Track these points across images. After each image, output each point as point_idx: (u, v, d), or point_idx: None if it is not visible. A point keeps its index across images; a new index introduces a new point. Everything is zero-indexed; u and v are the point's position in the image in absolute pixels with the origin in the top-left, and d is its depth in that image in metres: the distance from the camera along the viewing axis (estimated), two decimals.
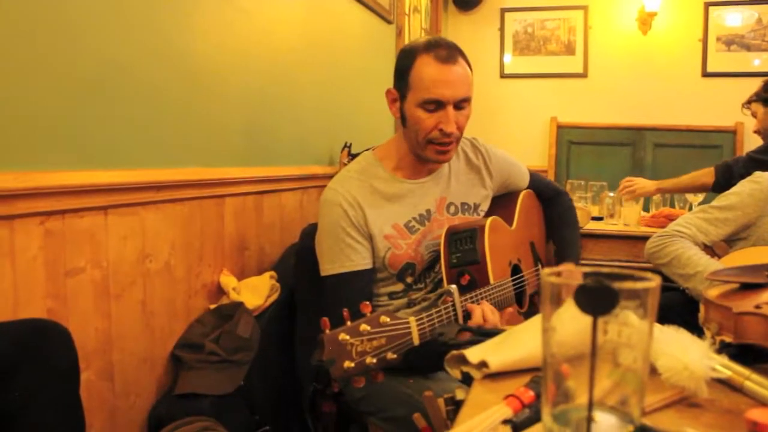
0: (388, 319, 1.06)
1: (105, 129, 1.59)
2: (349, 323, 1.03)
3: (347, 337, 1.01)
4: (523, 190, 1.89)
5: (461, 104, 1.59)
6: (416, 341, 1.11)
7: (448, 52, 1.57)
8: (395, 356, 1.05)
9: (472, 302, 1.41)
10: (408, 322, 1.10)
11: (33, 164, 1.38)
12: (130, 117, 1.67)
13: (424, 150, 1.63)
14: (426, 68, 1.56)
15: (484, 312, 1.38)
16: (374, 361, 1.02)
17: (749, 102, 2.89)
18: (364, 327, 1.03)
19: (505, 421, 0.77)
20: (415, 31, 4.53)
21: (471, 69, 1.63)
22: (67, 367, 1.20)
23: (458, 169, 1.77)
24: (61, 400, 1.18)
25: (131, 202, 1.65)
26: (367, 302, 1.07)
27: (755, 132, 2.92)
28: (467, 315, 1.37)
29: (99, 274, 1.55)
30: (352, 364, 1.00)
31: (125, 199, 1.62)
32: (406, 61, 1.60)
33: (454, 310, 1.32)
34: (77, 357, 1.23)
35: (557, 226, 1.95)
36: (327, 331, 1.01)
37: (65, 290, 1.45)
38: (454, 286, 1.35)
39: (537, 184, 1.96)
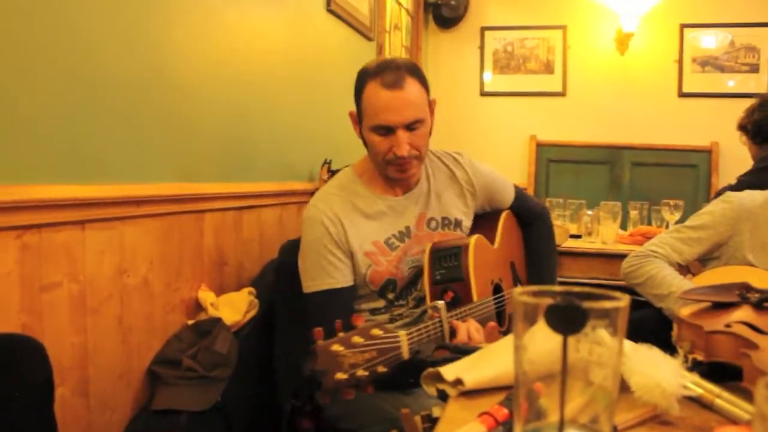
0: (380, 332, 1.06)
1: (83, 143, 1.58)
2: (341, 334, 1.03)
3: (340, 349, 1.00)
4: (506, 211, 1.90)
5: (413, 126, 1.60)
6: (406, 355, 1.11)
7: (395, 76, 1.57)
8: (385, 369, 1.05)
9: (458, 319, 1.41)
10: (398, 337, 1.10)
11: (9, 178, 1.37)
12: (108, 131, 1.66)
13: (385, 170, 1.66)
14: (373, 95, 1.59)
15: (469, 330, 1.39)
16: (366, 373, 1.02)
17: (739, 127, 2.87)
18: (357, 339, 1.03)
19: None
20: (396, 48, 4.57)
21: (426, 87, 1.64)
22: (41, 383, 1.19)
23: (439, 185, 1.78)
24: (35, 415, 1.17)
25: (109, 217, 1.64)
26: (359, 314, 1.07)
27: None
28: (452, 332, 1.38)
29: (76, 289, 1.54)
30: (345, 376, 0.99)
31: (103, 214, 1.61)
32: (358, 85, 1.64)
33: (441, 325, 1.33)
34: (52, 372, 1.22)
35: (535, 256, 1.97)
36: (320, 342, 1.01)
37: (41, 305, 1.44)
38: (441, 302, 1.36)
39: (522, 203, 1.96)
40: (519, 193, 1.97)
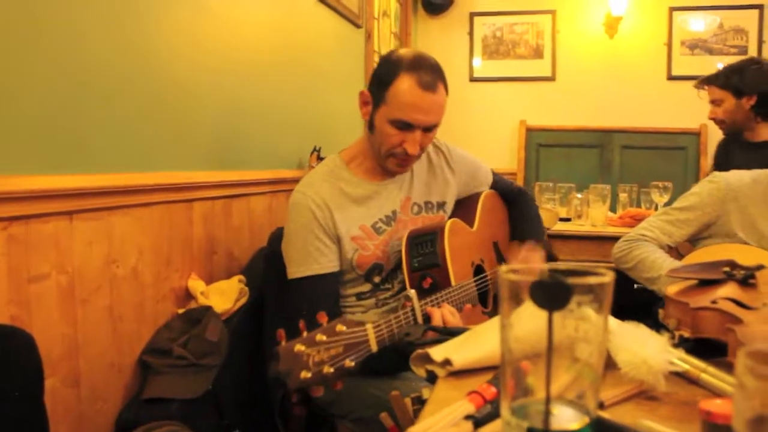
0: (344, 328, 1.06)
1: (70, 133, 1.57)
2: (305, 334, 1.03)
3: (303, 348, 1.00)
4: (485, 191, 1.91)
5: (431, 128, 1.62)
6: (374, 348, 1.11)
7: (431, 77, 1.57)
8: (353, 364, 1.05)
9: (432, 305, 1.41)
10: (365, 330, 1.11)
11: None
12: (95, 121, 1.65)
13: (385, 160, 1.66)
14: (406, 90, 1.56)
15: (443, 315, 1.39)
16: (332, 370, 1.02)
17: (707, 82, 2.86)
18: (320, 337, 1.03)
19: (467, 417, 0.78)
20: (385, 35, 4.55)
21: (447, 93, 1.64)
22: (30, 374, 1.19)
23: (420, 169, 1.80)
24: (24, 406, 1.16)
25: (97, 207, 1.63)
26: (323, 312, 1.07)
27: (715, 120, 2.87)
28: (427, 318, 1.38)
29: (64, 280, 1.54)
30: (309, 374, 1.00)
31: (91, 204, 1.60)
32: (388, 73, 1.59)
33: (413, 314, 1.33)
34: (41, 363, 1.22)
35: (518, 223, 1.98)
36: (283, 343, 1.01)
37: (29, 296, 1.43)
38: (413, 291, 1.36)
39: (500, 185, 1.98)
40: (497, 176, 2.00)
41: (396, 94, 1.57)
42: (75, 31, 1.58)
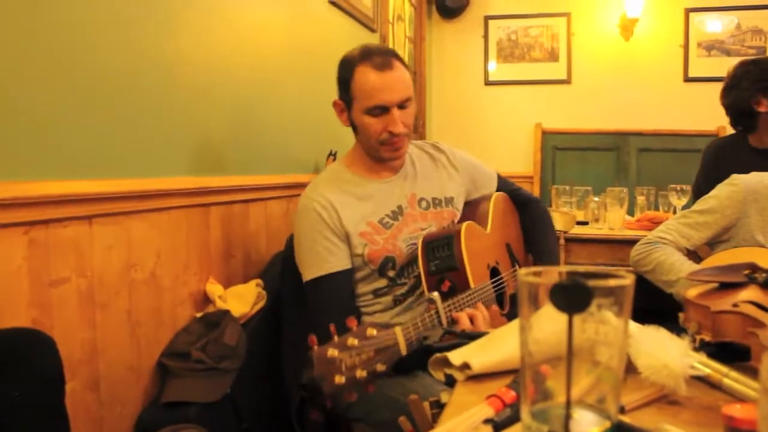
0: (374, 332, 1.06)
1: (89, 138, 1.58)
2: (336, 338, 1.03)
3: (336, 353, 1.00)
4: (495, 193, 1.92)
5: (404, 104, 1.66)
6: (403, 351, 1.11)
7: (383, 58, 1.64)
8: (384, 367, 1.05)
9: (457, 308, 1.42)
10: (394, 333, 1.11)
11: (16, 174, 1.37)
12: (114, 126, 1.67)
13: (378, 151, 1.70)
14: (365, 77, 1.64)
15: (473, 317, 1.40)
16: (364, 374, 1.02)
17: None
18: (352, 341, 1.02)
19: (487, 421, 0.78)
20: (399, 39, 4.56)
21: (408, 69, 1.70)
22: (51, 377, 1.20)
23: (424, 167, 1.84)
24: (46, 410, 1.17)
25: (116, 212, 1.64)
26: (353, 317, 1.08)
27: None
28: (452, 321, 1.39)
29: (84, 284, 1.55)
30: (343, 379, 1.00)
31: (110, 209, 1.62)
32: (346, 72, 1.68)
33: (438, 317, 1.33)
34: (62, 366, 1.23)
35: (531, 235, 1.98)
36: (315, 348, 1.01)
37: (50, 300, 1.45)
38: (436, 293, 1.37)
39: (507, 187, 1.99)
40: (502, 178, 2.01)
41: (360, 87, 1.65)
42: (93, 40, 1.59)
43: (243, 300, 2.02)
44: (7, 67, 1.36)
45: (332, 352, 1.00)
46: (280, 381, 1.95)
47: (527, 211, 2.02)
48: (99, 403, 1.61)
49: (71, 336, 1.51)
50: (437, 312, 1.34)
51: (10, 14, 1.36)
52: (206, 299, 2.02)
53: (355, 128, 1.73)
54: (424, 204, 1.77)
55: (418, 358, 1.11)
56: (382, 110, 1.64)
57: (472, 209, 1.87)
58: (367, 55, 1.65)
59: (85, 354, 1.56)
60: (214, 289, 2.02)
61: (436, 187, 1.82)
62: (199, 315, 1.94)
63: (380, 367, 1.05)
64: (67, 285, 1.50)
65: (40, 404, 1.17)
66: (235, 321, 1.90)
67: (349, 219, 1.66)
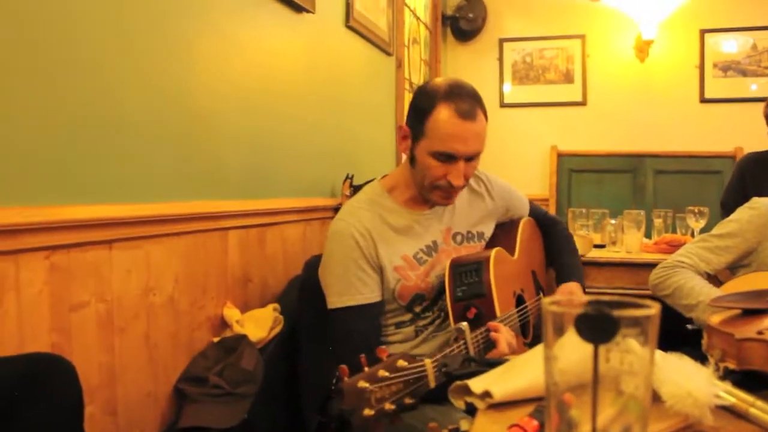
0: (405, 363, 1.04)
1: (109, 164, 1.60)
2: (366, 369, 1.01)
3: (366, 385, 0.98)
4: (523, 219, 1.90)
5: (473, 157, 1.60)
6: (432, 383, 1.09)
7: (469, 105, 1.55)
8: (413, 401, 1.03)
9: (484, 338, 1.39)
10: (424, 366, 1.08)
11: (38, 199, 1.39)
12: (133, 152, 1.68)
13: (430, 193, 1.63)
14: (444, 120, 1.54)
15: (507, 339, 1.39)
16: (393, 407, 1.00)
17: None
18: (383, 373, 1.00)
19: None
20: (415, 62, 4.58)
21: (487, 119, 1.62)
22: (71, 402, 1.20)
23: (461, 200, 1.78)
24: None
25: (135, 236, 1.66)
26: (384, 347, 1.06)
27: None
28: (489, 346, 1.37)
29: (103, 308, 1.56)
30: (372, 412, 0.97)
31: (129, 233, 1.63)
32: (424, 104, 1.58)
33: (466, 347, 1.31)
34: (82, 391, 1.23)
35: (557, 254, 1.95)
36: (346, 379, 0.99)
37: (69, 324, 1.46)
38: (465, 324, 1.34)
39: (536, 214, 1.97)
40: (532, 204, 1.99)
41: (435, 126, 1.55)
42: (112, 70, 1.61)
43: (260, 324, 2.02)
44: (29, 95, 1.38)
45: (363, 384, 0.98)
46: (297, 406, 1.94)
47: (552, 233, 1.99)
48: (117, 427, 1.61)
49: (90, 360, 1.51)
50: (465, 343, 1.31)
51: (35, 45, 1.38)
52: (223, 323, 2.02)
53: (413, 161, 1.64)
54: (458, 238, 1.74)
55: (439, 385, 1.10)
56: (450, 158, 1.56)
57: (500, 234, 1.83)
58: (454, 96, 1.55)
59: (104, 378, 1.56)
60: (232, 313, 2.02)
61: (471, 221, 1.77)
62: (216, 339, 1.94)
63: (408, 401, 1.03)
64: (86, 309, 1.51)
65: (61, 429, 1.17)
66: (252, 346, 1.89)
67: (385, 252, 1.61)
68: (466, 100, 1.56)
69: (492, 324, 1.41)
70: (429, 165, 1.58)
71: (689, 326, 1.95)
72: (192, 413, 1.72)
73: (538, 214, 1.98)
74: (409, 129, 1.63)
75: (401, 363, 1.04)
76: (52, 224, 1.39)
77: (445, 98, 1.55)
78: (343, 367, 1.00)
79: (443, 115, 1.54)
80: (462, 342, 1.30)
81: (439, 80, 1.65)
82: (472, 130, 1.55)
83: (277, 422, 1.95)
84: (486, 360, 1.17)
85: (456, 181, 1.57)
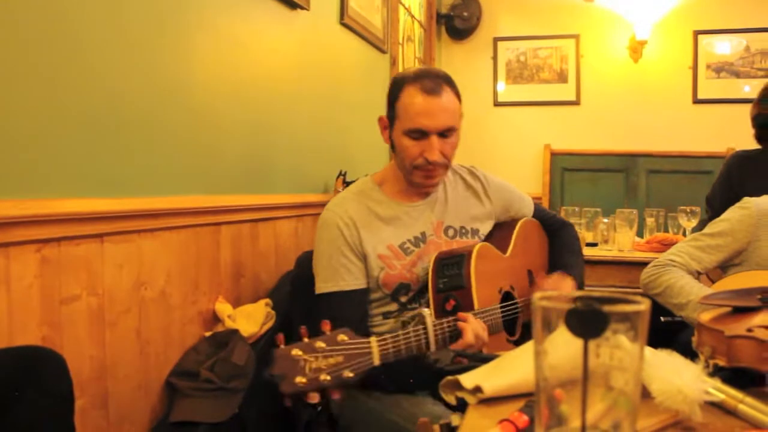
0: (346, 338, 1.07)
1: (101, 157, 1.60)
2: (305, 339, 1.03)
3: (300, 353, 1.01)
4: (523, 219, 1.89)
5: (446, 133, 1.63)
6: (376, 362, 1.12)
7: (434, 83, 1.61)
8: (351, 375, 1.05)
9: (449, 326, 1.39)
10: (368, 342, 1.11)
11: (29, 192, 1.39)
12: (126, 146, 1.68)
13: (411, 175, 1.67)
14: (411, 99, 1.61)
15: (476, 330, 1.39)
16: (328, 378, 1.02)
17: None
18: (320, 344, 1.03)
19: None
20: (409, 60, 4.58)
21: (459, 98, 1.67)
22: (62, 395, 1.20)
23: (455, 195, 1.79)
24: (56, 428, 1.17)
25: (127, 230, 1.65)
26: (327, 320, 1.08)
27: None
28: (455, 335, 1.37)
29: (94, 302, 1.55)
30: (305, 380, 1.00)
31: (121, 227, 1.63)
32: (394, 90, 1.66)
33: (425, 333, 1.31)
34: (72, 385, 1.23)
35: (558, 255, 1.95)
36: (281, 346, 1.02)
37: (60, 318, 1.45)
38: (426, 310, 1.35)
39: (542, 215, 1.96)
40: (539, 206, 1.98)
41: (403, 106, 1.62)
42: (108, 64, 1.61)
43: (252, 319, 2.02)
44: (21, 89, 1.37)
45: (296, 352, 1.01)
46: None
47: (559, 235, 1.99)
48: (107, 421, 1.60)
49: (81, 354, 1.51)
50: (425, 328, 1.31)
51: (30, 40, 1.38)
52: (215, 318, 2.02)
53: (393, 147, 1.70)
54: (451, 232, 1.75)
55: (426, 380, 1.11)
56: (421, 134, 1.61)
57: (496, 231, 1.84)
58: (420, 77, 1.62)
59: (94, 372, 1.56)
60: (224, 308, 2.02)
61: (465, 216, 1.79)
62: (208, 334, 1.94)
63: (347, 374, 1.05)
64: (77, 303, 1.50)
65: (51, 422, 1.17)
66: (243, 340, 1.89)
67: (368, 240, 1.65)
68: (432, 79, 1.62)
69: (461, 314, 1.41)
70: (405, 146, 1.63)
71: (663, 318, 1.97)
72: (183, 407, 1.72)
73: (545, 216, 1.97)
74: (387, 118, 1.70)
75: (342, 337, 1.06)
76: (43, 217, 1.38)
77: (412, 80, 1.63)
78: (280, 335, 1.03)
79: (410, 94, 1.61)
80: (421, 327, 1.31)
81: (410, 68, 1.69)
82: (438, 104, 1.60)
83: (267, 417, 1.95)
84: (477, 355, 1.17)
85: (431, 157, 1.61)
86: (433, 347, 1.31)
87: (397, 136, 1.66)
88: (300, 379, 1.00)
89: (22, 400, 1.12)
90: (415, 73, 1.64)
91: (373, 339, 1.13)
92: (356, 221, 1.65)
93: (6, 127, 1.34)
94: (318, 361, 1.02)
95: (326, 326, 1.07)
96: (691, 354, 0.95)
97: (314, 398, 1.03)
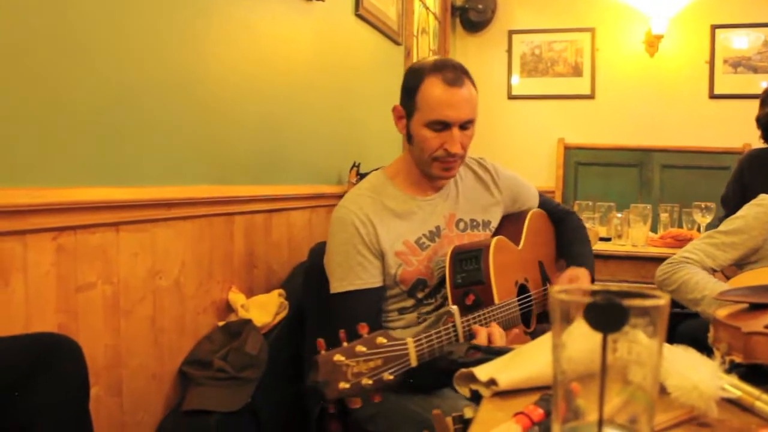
0: (384, 340, 1.07)
1: (117, 147, 1.60)
2: (345, 344, 1.03)
3: (342, 358, 1.01)
4: (531, 210, 1.89)
5: (466, 125, 1.62)
6: (414, 362, 1.11)
7: (455, 74, 1.60)
8: (392, 377, 1.05)
9: (476, 322, 1.41)
10: (406, 344, 1.11)
11: (46, 181, 1.39)
12: (142, 136, 1.69)
13: (429, 167, 1.66)
14: (433, 90, 1.59)
15: (491, 334, 1.38)
16: (370, 382, 1.02)
17: None
18: (360, 348, 1.03)
19: None
20: (424, 52, 4.57)
21: (476, 90, 1.66)
22: (77, 382, 1.21)
23: (466, 187, 1.79)
24: (72, 414, 1.18)
25: (142, 219, 1.66)
26: (365, 323, 1.08)
27: None
28: (470, 336, 1.37)
29: (110, 290, 1.56)
30: (348, 385, 1.00)
31: (137, 216, 1.64)
32: (413, 81, 1.63)
33: (455, 331, 1.32)
34: (87, 372, 1.24)
35: (567, 244, 1.94)
36: (322, 352, 1.02)
37: (76, 306, 1.46)
38: (455, 307, 1.36)
39: (547, 206, 1.96)
40: (543, 196, 1.98)
41: (425, 97, 1.60)
42: (122, 54, 1.62)
43: (265, 310, 2.02)
44: (37, 78, 1.38)
45: (339, 357, 1.01)
46: (301, 391, 1.95)
47: (564, 224, 1.99)
48: (121, 409, 1.62)
49: (96, 341, 1.52)
50: (454, 326, 1.33)
51: (45, 30, 1.38)
52: (229, 308, 2.03)
53: (410, 139, 1.68)
54: (462, 225, 1.74)
55: (441, 373, 1.11)
56: (443, 126, 1.59)
57: (507, 224, 1.83)
58: (440, 68, 1.61)
59: (109, 360, 1.57)
60: (237, 298, 2.03)
61: (476, 208, 1.78)
62: (221, 324, 1.95)
63: (387, 377, 1.05)
64: (93, 291, 1.51)
65: (66, 408, 1.18)
66: (256, 330, 1.90)
67: (385, 237, 1.63)
68: (452, 70, 1.61)
69: (489, 327, 1.41)
70: (425, 137, 1.62)
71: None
72: (196, 396, 1.73)
73: (549, 206, 1.97)
74: (403, 108, 1.68)
75: (380, 340, 1.06)
76: (59, 206, 1.39)
77: (432, 70, 1.61)
78: (320, 340, 1.03)
79: (431, 84, 1.59)
80: (451, 325, 1.31)
81: (426, 58, 1.68)
82: (460, 95, 1.59)
83: (280, 407, 1.96)
84: (492, 348, 1.17)
85: (453, 149, 1.60)
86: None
87: (416, 127, 1.64)
88: (343, 385, 1.00)
89: (39, 386, 1.13)
90: (434, 64, 1.62)
91: (410, 340, 1.12)
92: (372, 219, 1.63)
93: (23, 116, 1.35)
94: (359, 366, 1.02)
95: (363, 329, 1.07)
96: (691, 344, 0.94)
97: (356, 403, 1.03)
